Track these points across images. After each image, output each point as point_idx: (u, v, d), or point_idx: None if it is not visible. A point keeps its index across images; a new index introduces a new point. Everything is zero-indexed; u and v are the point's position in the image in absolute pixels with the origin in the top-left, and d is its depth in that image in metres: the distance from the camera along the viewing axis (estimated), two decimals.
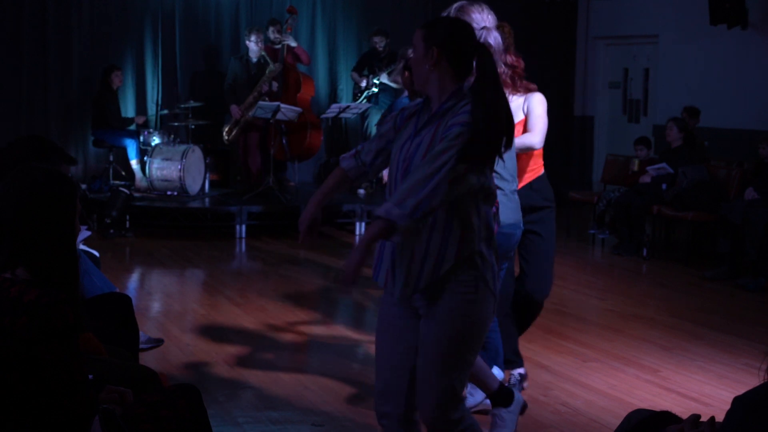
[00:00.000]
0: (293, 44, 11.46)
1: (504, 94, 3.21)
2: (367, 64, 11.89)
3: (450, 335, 3.19)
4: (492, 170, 3.25)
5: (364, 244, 3.05)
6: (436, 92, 3.23)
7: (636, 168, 10.40)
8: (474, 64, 3.21)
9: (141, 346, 5.23)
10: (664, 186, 9.71)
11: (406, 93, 6.48)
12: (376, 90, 11.72)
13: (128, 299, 4.53)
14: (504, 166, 4.25)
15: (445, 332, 3.19)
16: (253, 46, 11.34)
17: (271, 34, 11.51)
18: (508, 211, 4.36)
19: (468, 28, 3.27)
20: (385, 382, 3.33)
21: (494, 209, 3.37)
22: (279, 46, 11.37)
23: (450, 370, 3.21)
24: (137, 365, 3.84)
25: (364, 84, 11.81)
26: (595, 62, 14.03)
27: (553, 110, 4.77)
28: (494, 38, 4.28)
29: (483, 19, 4.32)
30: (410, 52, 6.90)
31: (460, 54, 3.20)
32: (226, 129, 11.43)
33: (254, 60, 11.42)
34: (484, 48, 3.20)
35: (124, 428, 2.83)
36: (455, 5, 4.36)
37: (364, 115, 11.88)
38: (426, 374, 3.24)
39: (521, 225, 4.54)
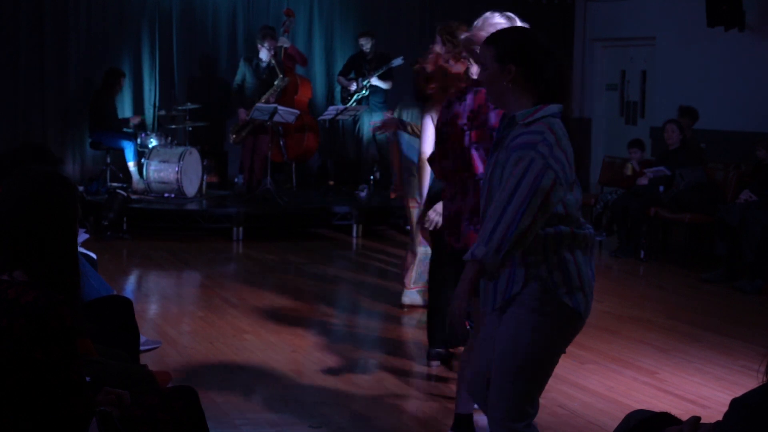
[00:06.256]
0: (286, 45, 11.43)
1: (571, 106, 3.21)
2: (354, 67, 11.83)
3: (510, 342, 3.20)
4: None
5: (464, 290, 3.06)
6: (513, 108, 3.22)
7: (629, 172, 10.40)
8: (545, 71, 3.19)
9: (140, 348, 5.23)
10: (661, 188, 9.71)
11: None
12: (366, 93, 11.68)
13: (129, 303, 4.53)
14: None
15: (506, 339, 3.22)
16: (266, 51, 11.27)
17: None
18: None
19: (536, 37, 3.23)
20: (468, 384, 3.41)
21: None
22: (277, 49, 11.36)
23: (511, 379, 3.23)
24: (135, 367, 3.84)
25: (354, 87, 11.72)
26: (592, 64, 14.03)
27: None
28: None
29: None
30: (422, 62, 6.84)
31: (535, 66, 3.17)
32: (233, 130, 11.39)
33: (264, 65, 11.37)
34: (555, 55, 3.19)
35: (121, 431, 2.82)
36: (482, 17, 4.05)
37: (355, 119, 11.81)
38: (493, 380, 3.30)
39: None
